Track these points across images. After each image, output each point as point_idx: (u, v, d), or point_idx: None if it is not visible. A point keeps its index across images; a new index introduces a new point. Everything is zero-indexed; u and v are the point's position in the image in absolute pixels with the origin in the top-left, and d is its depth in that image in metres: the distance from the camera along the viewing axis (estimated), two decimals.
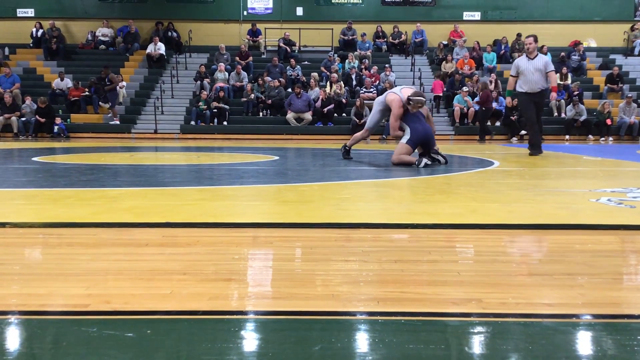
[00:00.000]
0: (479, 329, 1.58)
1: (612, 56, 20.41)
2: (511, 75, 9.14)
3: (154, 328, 1.56)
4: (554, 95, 9.26)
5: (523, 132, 16.01)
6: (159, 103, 17.49)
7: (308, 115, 16.65)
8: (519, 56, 19.83)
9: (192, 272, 2.10)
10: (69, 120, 16.83)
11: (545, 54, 19.04)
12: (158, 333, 1.52)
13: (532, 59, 8.85)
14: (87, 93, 17.43)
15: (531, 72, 8.79)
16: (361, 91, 17.30)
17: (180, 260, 2.26)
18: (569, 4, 21.02)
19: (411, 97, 6.87)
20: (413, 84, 18.79)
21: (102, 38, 20.50)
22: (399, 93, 7.02)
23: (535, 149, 8.95)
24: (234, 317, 1.65)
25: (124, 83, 18.23)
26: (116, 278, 2.02)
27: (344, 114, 17.02)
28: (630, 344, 1.46)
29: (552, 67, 9.01)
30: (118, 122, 16.93)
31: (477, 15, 21.30)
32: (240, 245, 2.56)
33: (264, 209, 3.62)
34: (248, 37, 20.54)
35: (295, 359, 1.36)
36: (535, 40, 8.99)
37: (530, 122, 9.14)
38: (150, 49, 19.36)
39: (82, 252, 2.43)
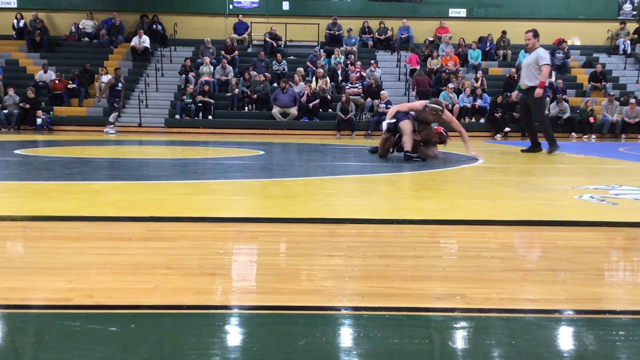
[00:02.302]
0: (462, 324, 1.58)
1: (595, 54, 20.61)
2: (522, 71, 9.02)
3: (138, 322, 1.55)
4: (538, 91, 8.52)
5: (507, 129, 16.17)
6: (143, 96, 17.36)
7: (293, 110, 16.62)
8: (504, 53, 20.06)
9: (176, 266, 2.09)
10: (51, 112, 16.66)
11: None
12: (142, 327, 1.51)
13: (529, 54, 8.71)
14: (73, 86, 17.25)
15: (523, 67, 8.69)
16: (347, 87, 17.30)
17: (164, 255, 2.25)
18: (554, 2, 21.21)
19: (428, 104, 7.12)
20: (398, 79, 18.85)
21: (86, 30, 20.30)
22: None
23: (530, 148, 8.92)
24: (219, 311, 1.65)
25: (109, 76, 18.08)
26: (99, 272, 2.01)
27: (329, 110, 17.02)
28: (612, 339, 1.48)
29: (544, 61, 8.53)
30: (113, 134, 15.16)
31: (462, 12, 21.40)
32: (225, 240, 2.55)
33: (249, 204, 3.61)
34: (234, 30, 20.41)
35: (279, 353, 1.36)
36: (535, 35, 8.64)
37: (522, 121, 9.07)
38: (134, 41, 19.21)
39: (65, 246, 2.40)
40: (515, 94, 9.19)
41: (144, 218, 2.92)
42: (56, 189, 4.01)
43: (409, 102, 16.70)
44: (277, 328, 1.52)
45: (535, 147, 8.94)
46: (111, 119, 15.48)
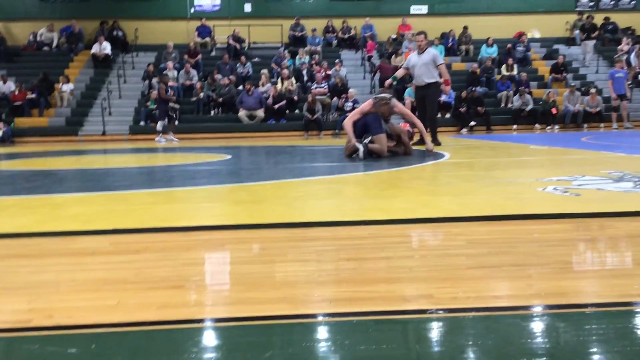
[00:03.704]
0: (430, 325, 1.58)
1: (555, 46, 20.98)
2: (402, 67, 9.78)
3: (99, 342, 1.50)
4: (447, 89, 9.51)
5: (472, 123, 16.37)
6: (107, 104, 17.09)
7: (260, 113, 16.55)
8: (466, 48, 20.28)
9: (140, 280, 2.04)
10: (12, 124, 16.29)
11: (491, 45, 19.53)
12: (104, 347, 1.47)
13: (421, 54, 9.29)
14: (32, 96, 16.90)
15: (418, 66, 9.26)
16: (313, 87, 17.29)
17: (127, 269, 2.20)
18: None
19: (375, 96, 7.15)
20: (364, 78, 18.92)
21: (45, 41, 19.91)
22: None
23: (421, 141, 9.08)
24: (184, 326, 1.61)
25: (71, 85, 17.75)
26: (60, 290, 1.95)
27: (296, 110, 16.99)
28: (578, 333, 1.49)
29: (441, 60, 9.32)
30: (176, 141, 14.23)
31: (424, 9, 21.57)
32: (190, 250, 2.51)
33: (216, 211, 3.56)
34: (197, 34, 20.22)
35: None
36: (426, 37, 9.43)
37: (419, 115, 9.44)
38: (95, 48, 18.91)
39: (24, 264, 2.34)
40: (388, 82, 9.55)
41: (107, 231, 2.86)
42: (16, 204, 3.91)
43: None
44: (242, 340, 1.50)
45: (422, 141, 9.07)
46: (159, 127, 14.75)
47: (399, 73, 9.78)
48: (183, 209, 3.65)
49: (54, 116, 17.07)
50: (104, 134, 16.51)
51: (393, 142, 7.24)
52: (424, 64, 9.23)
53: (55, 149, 12.30)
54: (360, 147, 6.73)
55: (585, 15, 20.59)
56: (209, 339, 1.55)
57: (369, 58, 19.26)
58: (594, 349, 1.40)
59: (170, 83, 17.37)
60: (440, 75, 9.30)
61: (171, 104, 15.06)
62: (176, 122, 14.86)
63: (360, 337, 1.49)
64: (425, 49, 9.33)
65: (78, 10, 20.45)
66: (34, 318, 1.69)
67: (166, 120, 14.77)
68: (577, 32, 20.84)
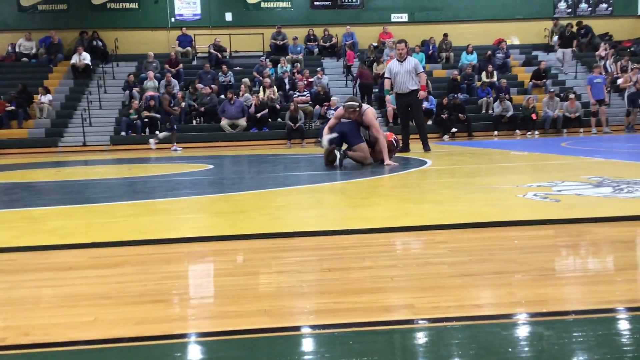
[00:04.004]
0: (411, 335, 1.58)
1: (534, 52, 21.20)
2: (386, 78, 9.78)
3: None
4: (422, 94, 9.74)
5: (454, 129, 16.47)
6: (87, 114, 16.93)
7: (242, 122, 16.51)
8: (446, 55, 20.42)
9: (118, 295, 2.01)
10: None
11: (471, 53, 19.70)
12: None
13: (402, 62, 9.50)
14: (11, 108, 16.70)
15: (401, 74, 9.45)
16: (294, 95, 17.29)
17: (105, 283, 2.16)
18: (492, 3, 21.71)
19: (344, 103, 7.20)
20: (345, 85, 18.98)
21: (24, 51, 19.70)
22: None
23: (404, 149, 9.45)
24: (163, 342, 1.59)
25: (50, 96, 17.56)
26: (36, 307, 1.92)
27: (278, 119, 16.97)
28: (560, 341, 1.49)
29: (421, 68, 9.70)
30: (179, 150, 14.21)
31: (404, 17, 21.70)
32: (170, 263, 2.48)
33: (196, 222, 3.54)
34: (178, 43, 20.16)
35: None
36: (407, 45, 9.71)
37: (402, 123, 9.83)
38: (74, 59, 18.73)
39: (0, 280, 2.29)
40: (388, 98, 10.05)
41: (86, 244, 2.82)
42: None
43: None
44: (224, 355, 1.48)
45: (406, 148, 9.57)
46: (160, 135, 14.77)
47: (387, 85, 9.79)
48: (163, 220, 3.61)
49: (34, 127, 16.87)
50: (84, 144, 16.36)
51: (371, 149, 7.23)
52: (406, 72, 9.42)
53: (34, 160, 12.15)
54: (337, 155, 6.75)
55: (565, 23, 20.83)
56: (189, 354, 1.52)
57: (349, 67, 19.33)
58: (576, 357, 1.40)
59: (151, 93, 17.29)
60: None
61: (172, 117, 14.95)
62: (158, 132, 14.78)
63: (341, 349, 1.48)
64: (406, 57, 9.53)
65: (57, 21, 20.27)
66: (8, 336, 1.65)
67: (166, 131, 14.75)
68: (555, 38, 21.09)
